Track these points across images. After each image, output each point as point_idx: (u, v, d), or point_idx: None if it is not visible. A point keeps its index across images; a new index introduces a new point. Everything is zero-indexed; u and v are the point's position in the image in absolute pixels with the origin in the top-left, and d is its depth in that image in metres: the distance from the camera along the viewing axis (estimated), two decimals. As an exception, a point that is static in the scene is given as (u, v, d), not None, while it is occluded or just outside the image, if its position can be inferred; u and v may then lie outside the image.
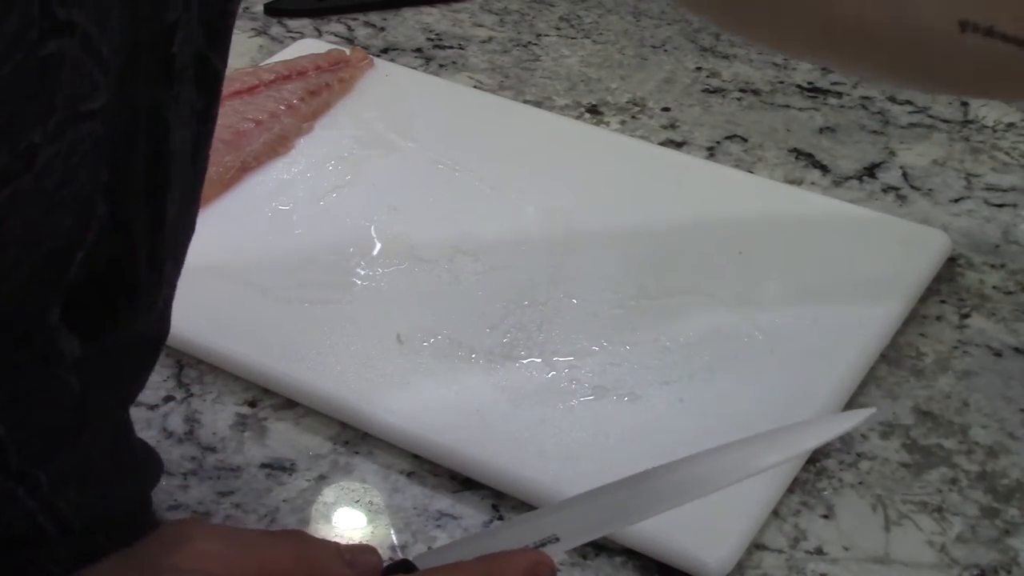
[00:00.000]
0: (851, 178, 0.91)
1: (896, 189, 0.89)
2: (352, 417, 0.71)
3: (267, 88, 0.93)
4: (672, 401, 0.71)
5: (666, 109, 0.98)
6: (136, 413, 0.72)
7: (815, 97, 0.99)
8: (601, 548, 0.65)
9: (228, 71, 0.54)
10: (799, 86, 1.01)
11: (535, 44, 1.06)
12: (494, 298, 0.78)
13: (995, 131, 0.96)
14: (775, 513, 0.66)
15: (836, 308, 0.76)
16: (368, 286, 0.79)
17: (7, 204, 0.41)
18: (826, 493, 0.68)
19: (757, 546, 0.65)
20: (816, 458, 0.69)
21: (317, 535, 0.65)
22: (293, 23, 1.09)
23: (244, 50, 1.04)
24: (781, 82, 1.01)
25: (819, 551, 0.65)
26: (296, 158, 0.90)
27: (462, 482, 0.68)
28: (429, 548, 0.65)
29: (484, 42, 1.06)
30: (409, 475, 0.69)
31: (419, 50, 1.05)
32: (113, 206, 0.48)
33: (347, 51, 0.98)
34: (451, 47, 1.06)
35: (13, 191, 0.41)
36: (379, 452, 0.70)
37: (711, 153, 0.93)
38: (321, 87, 0.94)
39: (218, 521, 0.66)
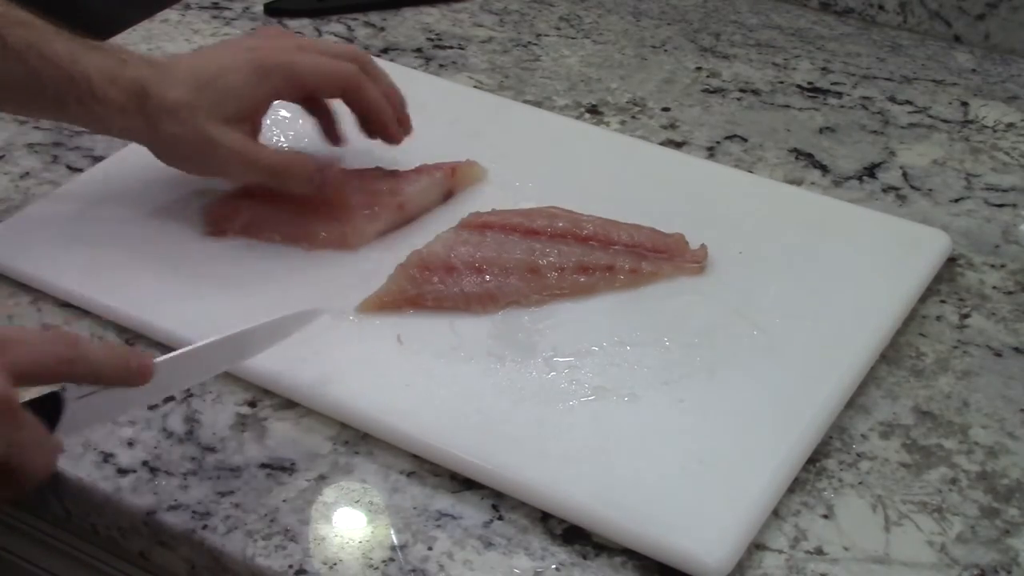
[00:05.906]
0: (851, 178, 0.91)
1: (896, 189, 0.89)
2: (352, 417, 0.71)
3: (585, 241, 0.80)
4: (672, 401, 0.71)
5: (666, 109, 0.98)
6: (136, 413, 0.72)
7: (815, 97, 0.99)
8: (601, 548, 0.65)
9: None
10: (799, 86, 1.01)
11: (535, 44, 1.06)
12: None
13: (995, 131, 0.96)
14: (775, 513, 0.66)
15: (836, 308, 0.76)
16: (368, 286, 0.79)
17: None
18: (826, 493, 0.68)
19: (757, 546, 0.65)
20: (816, 458, 0.69)
21: (317, 535, 0.65)
22: (293, 23, 1.09)
23: (244, 50, 1.04)
24: (781, 82, 1.01)
25: (819, 551, 0.65)
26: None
27: (462, 482, 0.68)
28: (429, 548, 0.65)
29: (484, 42, 1.06)
30: (409, 475, 0.69)
31: (419, 50, 1.05)
32: None
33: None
34: (451, 47, 1.06)
35: None
36: (379, 452, 0.70)
37: (711, 153, 0.93)
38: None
39: (218, 521, 0.66)
